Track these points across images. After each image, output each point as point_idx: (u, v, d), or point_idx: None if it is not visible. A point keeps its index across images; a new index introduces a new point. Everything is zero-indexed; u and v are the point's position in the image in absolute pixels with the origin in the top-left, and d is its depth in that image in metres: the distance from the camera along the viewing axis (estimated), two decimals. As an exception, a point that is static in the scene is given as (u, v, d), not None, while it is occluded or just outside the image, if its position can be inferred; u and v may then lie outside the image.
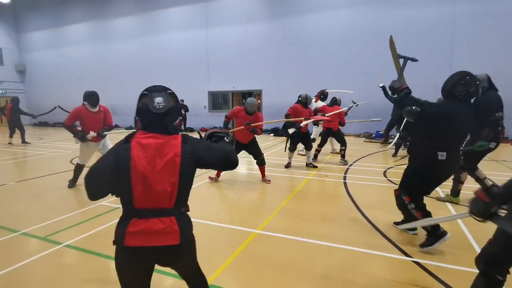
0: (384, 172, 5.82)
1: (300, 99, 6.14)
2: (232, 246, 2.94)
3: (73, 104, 5.34)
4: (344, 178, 5.50)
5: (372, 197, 4.50)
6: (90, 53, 18.10)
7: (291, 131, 5.93)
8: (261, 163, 5.26)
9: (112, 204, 4.07)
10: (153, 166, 1.33)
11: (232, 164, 1.51)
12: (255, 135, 5.10)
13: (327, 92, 8.28)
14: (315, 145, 7.04)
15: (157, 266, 1.48)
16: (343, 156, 6.75)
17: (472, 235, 3.11)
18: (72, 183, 4.99)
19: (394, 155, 7.55)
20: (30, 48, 20.15)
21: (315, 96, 8.26)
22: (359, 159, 7.22)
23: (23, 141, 10.24)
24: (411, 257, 2.67)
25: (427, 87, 10.72)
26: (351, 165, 6.61)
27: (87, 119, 4.64)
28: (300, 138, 6.14)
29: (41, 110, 14.58)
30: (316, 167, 6.32)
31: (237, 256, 2.75)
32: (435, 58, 10.93)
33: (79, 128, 4.70)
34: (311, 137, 7.74)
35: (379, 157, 7.61)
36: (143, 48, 16.46)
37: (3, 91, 19.24)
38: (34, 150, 9.22)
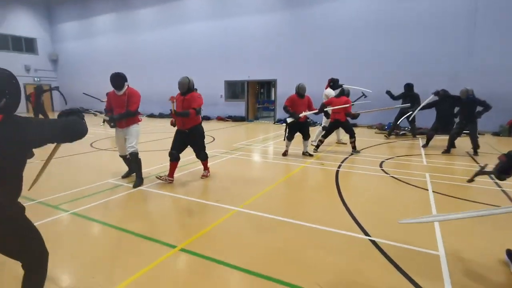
0: (381, 163, 5.91)
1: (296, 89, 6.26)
2: (209, 220, 3.30)
3: (101, 91, 5.75)
4: (339, 167, 5.68)
5: (357, 185, 4.68)
6: (116, 43, 18.98)
7: (289, 120, 6.14)
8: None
9: (116, 182, 4.59)
10: None
11: (70, 134, 1.55)
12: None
13: (337, 80, 8.25)
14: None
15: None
16: (354, 147, 6.83)
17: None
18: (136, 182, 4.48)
19: (425, 146, 7.49)
20: (62, 39, 21.43)
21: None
22: (362, 149, 7.30)
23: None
24: (370, 237, 2.89)
25: (443, 77, 10.48)
26: (350, 155, 6.73)
27: (114, 103, 4.39)
28: (298, 128, 6.32)
29: (72, 97, 15.70)
30: (312, 155, 6.50)
31: (212, 228, 3.10)
32: (453, 47, 10.54)
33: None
34: (322, 125, 7.88)
35: (382, 148, 7.64)
36: (165, 38, 17.03)
37: (38, 79, 20.71)
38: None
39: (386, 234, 2.93)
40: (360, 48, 12.07)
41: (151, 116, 17.07)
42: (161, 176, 4.55)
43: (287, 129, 6.40)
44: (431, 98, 7.47)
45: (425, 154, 6.81)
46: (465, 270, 2.37)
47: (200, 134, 4.69)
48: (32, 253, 1.63)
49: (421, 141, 8.45)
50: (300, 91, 6.21)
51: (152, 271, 2.34)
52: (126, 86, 4.33)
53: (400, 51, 11.36)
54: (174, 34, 16.68)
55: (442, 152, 6.81)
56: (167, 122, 14.48)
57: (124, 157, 4.71)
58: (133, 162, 4.49)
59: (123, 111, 4.27)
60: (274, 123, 14.07)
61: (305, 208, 3.77)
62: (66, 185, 4.47)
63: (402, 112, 8.73)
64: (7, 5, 19.29)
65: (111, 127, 4.41)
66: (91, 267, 2.42)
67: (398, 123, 9.10)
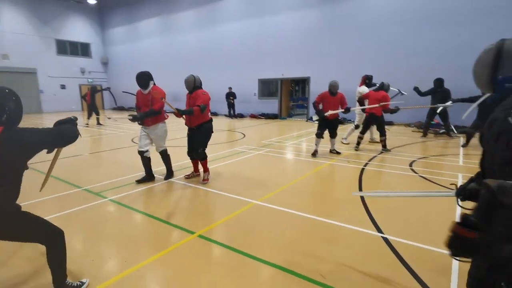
0: (412, 163, 5.70)
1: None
2: (228, 211, 3.52)
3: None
4: (366, 165, 5.58)
5: (380, 184, 4.60)
6: (158, 45, 20.17)
7: (314, 118, 6.16)
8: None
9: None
10: None
11: (62, 139, 1.85)
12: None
13: (371, 77, 8.01)
14: (357, 132, 7.10)
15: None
16: (384, 146, 6.68)
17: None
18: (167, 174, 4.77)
19: (465, 145, 7.12)
20: (112, 43, 23.26)
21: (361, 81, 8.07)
22: (394, 148, 7.06)
23: (98, 123, 12.29)
24: (383, 234, 2.90)
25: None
26: (380, 153, 6.55)
27: (140, 101, 4.45)
28: (326, 125, 6.30)
29: (120, 97, 17.07)
30: (339, 153, 6.44)
31: (230, 218, 3.32)
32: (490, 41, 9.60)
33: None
34: (355, 123, 7.76)
35: (416, 147, 7.30)
36: (202, 38, 17.73)
37: (91, 80, 22.75)
38: (106, 130, 11.09)
39: (401, 232, 2.91)
40: (396, 44, 11.52)
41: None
42: (188, 175, 4.87)
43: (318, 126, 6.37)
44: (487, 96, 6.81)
45: (463, 154, 6.40)
46: (478, 272, 2.30)
47: (206, 132, 4.57)
48: (38, 237, 1.93)
49: (462, 140, 7.91)
50: (332, 89, 6.13)
51: (171, 252, 2.62)
52: (151, 85, 4.35)
53: (442, 44, 10.65)
54: (211, 34, 17.28)
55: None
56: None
57: (142, 154, 4.50)
58: (163, 159, 4.70)
59: (147, 109, 4.28)
60: (306, 121, 14.00)
61: (323, 204, 3.83)
62: (108, 175, 4.99)
63: (434, 110, 8.25)
64: (66, 14, 21.43)
65: (139, 124, 4.44)
66: (119, 245, 2.76)
67: (431, 121, 8.62)
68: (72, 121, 2.00)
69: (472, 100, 7.07)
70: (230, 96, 15.66)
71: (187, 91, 4.57)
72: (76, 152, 6.99)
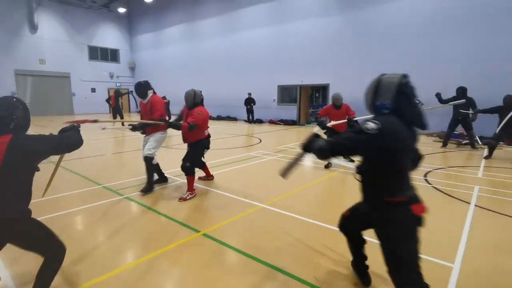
0: (427, 173, 5.57)
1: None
2: (234, 213, 3.65)
3: (170, 94, 6.19)
4: (378, 173, 5.52)
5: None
6: (183, 51, 20.90)
7: (315, 129, 6.11)
8: None
9: (166, 174, 5.26)
10: None
11: (65, 146, 1.97)
12: None
13: None
14: None
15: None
16: None
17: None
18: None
19: (487, 157, 6.82)
20: (139, 48, 24.36)
21: None
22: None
23: (123, 124, 12.90)
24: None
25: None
26: (395, 162, 6.44)
27: (142, 110, 4.44)
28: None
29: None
30: (353, 161, 6.32)
31: (235, 219, 3.44)
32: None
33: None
34: None
35: (435, 157, 7.09)
36: (224, 45, 18.19)
37: (119, 84, 23.89)
38: (128, 132, 11.62)
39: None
40: (418, 51, 11.27)
41: (210, 118, 18.33)
42: (201, 176, 5.02)
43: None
44: None
45: (484, 166, 6.16)
46: (475, 286, 2.28)
47: (200, 148, 4.33)
48: (40, 247, 1.89)
49: (486, 151, 7.60)
50: (335, 102, 5.87)
51: (176, 247, 2.78)
52: (150, 94, 4.26)
53: (465, 52, 10.30)
54: (233, 40, 17.69)
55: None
56: (225, 124, 15.46)
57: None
58: (146, 166, 4.31)
59: (146, 118, 4.21)
60: (325, 128, 13.90)
61: (329, 211, 3.86)
62: (127, 174, 5.29)
63: (457, 119, 7.96)
64: (98, 22, 22.76)
65: (141, 133, 4.44)
66: (128, 239, 2.96)
67: (453, 131, 8.31)
68: (75, 128, 2.13)
69: (493, 111, 6.82)
70: (251, 102, 15.92)
71: (189, 102, 4.23)
72: (100, 152, 7.42)
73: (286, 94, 16.12)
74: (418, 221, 1.73)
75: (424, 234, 3.13)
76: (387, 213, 1.73)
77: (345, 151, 1.81)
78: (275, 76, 15.96)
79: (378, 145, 1.56)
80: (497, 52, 9.75)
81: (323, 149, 1.70)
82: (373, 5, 12.35)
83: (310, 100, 17.19)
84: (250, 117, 16.00)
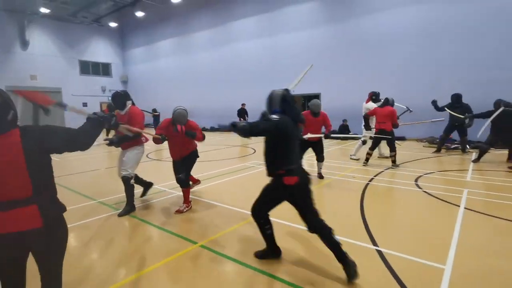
0: (417, 178, 5.70)
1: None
2: (232, 223, 3.69)
3: (163, 107, 6.03)
4: (371, 180, 5.64)
5: (382, 199, 4.66)
6: (175, 64, 21.09)
7: None
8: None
9: (160, 187, 5.27)
10: None
11: (77, 145, 1.68)
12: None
13: (378, 93, 8.07)
14: (366, 148, 7.15)
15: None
16: (394, 161, 6.68)
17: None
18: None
19: (476, 160, 7.03)
20: (131, 62, 24.48)
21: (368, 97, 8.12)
22: (403, 163, 7.06)
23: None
24: (377, 247, 2.98)
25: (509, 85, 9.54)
26: (387, 169, 6.58)
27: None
28: (308, 146, 5.72)
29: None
30: (322, 178, 5.88)
31: (231, 230, 3.48)
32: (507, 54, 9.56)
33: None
34: (362, 139, 7.79)
35: (425, 162, 7.26)
36: (216, 57, 18.43)
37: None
38: (125, 145, 11.59)
39: (396, 246, 2.98)
40: (408, 58, 11.62)
41: (203, 129, 18.42)
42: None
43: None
44: (501, 110, 6.60)
45: (473, 170, 6.33)
46: (467, 286, 2.35)
47: (193, 157, 4.33)
48: (59, 266, 1.71)
49: (474, 155, 7.81)
50: (314, 109, 5.58)
51: (175, 260, 2.81)
52: (129, 105, 4.02)
53: (454, 59, 10.66)
54: (225, 53, 17.95)
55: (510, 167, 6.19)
56: (217, 135, 15.54)
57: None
58: (125, 187, 4.12)
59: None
60: (318, 136, 14.09)
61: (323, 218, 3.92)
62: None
63: (453, 125, 8.15)
64: (90, 36, 22.86)
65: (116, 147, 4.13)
66: (125, 253, 2.97)
67: (448, 136, 8.52)
68: (93, 119, 1.83)
69: (485, 115, 7.02)
70: (244, 114, 16.05)
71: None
72: (94, 166, 7.39)
73: (279, 104, 16.28)
74: (285, 187, 2.52)
75: (416, 236, 3.24)
76: (277, 181, 2.57)
77: (260, 131, 2.40)
78: (268, 86, 16.01)
79: (278, 128, 2.42)
80: (484, 59, 10.11)
81: (245, 128, 2.32)
82: (361, 16, 12.74)
83: (302, 109, 17.42)
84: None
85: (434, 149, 8.70)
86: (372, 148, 6.89)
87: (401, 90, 11.12)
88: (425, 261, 2.70)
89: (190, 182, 4.41)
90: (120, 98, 3.97)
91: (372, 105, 7.64)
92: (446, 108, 8.19)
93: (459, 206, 4.10)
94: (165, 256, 2.87)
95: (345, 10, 13.15)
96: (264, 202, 2.73)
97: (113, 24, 22.70)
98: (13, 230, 1.46)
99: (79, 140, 1.70)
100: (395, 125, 6.61)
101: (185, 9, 19.22)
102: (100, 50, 23.61)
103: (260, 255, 2.82)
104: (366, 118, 7.35)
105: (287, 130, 2.47)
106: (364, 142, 7.72)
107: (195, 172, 5.17)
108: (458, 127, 8.11)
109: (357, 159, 7.60)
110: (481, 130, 6.69)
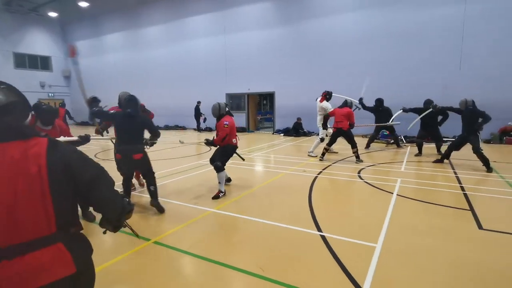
0: (360, 170, 6.25)
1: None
2: (186, 219, 3.74)
3: (111, 103, 5.61)
4: (319, 173, 6.05)
5: (328, 189, 5.06)
6: (124, 59, 20.03)
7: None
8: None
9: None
10: (10, 189, 1.05)
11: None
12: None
13: (331, 92, 8.46)
14: (323, 144, 7.61)
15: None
16: (357, 157, 7.09)
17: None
18: None
19: (419, 154, 7.78)
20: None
21: (320, 96, 8.47)
22: (347, 158, 7.64)
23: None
24: (321, 232, 3.27)
25: (436, 87, 10.82)
26: (335, 162, 7.09)
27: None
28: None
29: (83, 111, 16.55)
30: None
31: (186, 225, 3.54)
32: (444, 59, 10.88)
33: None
34: (320, 136, 8.10)
35: (367, 156, 7.95)
36: (169, 54, 17.93)
37: (52, 94, 21.89)
38: (85, 146, 10.79)
39: (337, 230, 3.30)
40: (355, 60, 12.52)
41: (158, 128, 17.84)
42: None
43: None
44: (429, 111, 7.41)
45: (407, 161, 7.11)
46: (394, 263, 2.72)
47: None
48: None
49: (409, 149, 8.75)
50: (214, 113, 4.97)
51: (128, 257, 2.79)
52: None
53: (394, 63, 11.76)
54: (178, 50, 17.55)
55: (434, 161, 6.95)
56: (173, 133, 15.16)
57: None
58: None
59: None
60: (273, 134, 14.52)
61: (273, 209, 4.15)
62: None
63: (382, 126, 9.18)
64: (25, 27, 20.68)
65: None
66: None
67: (377, 135, 9.59)
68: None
69: (417, 111, 7.84)
70: (200, 112, 15.95)
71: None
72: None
73: (235, 102, 16.45)
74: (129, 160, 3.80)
75: (354, 221, 3.60)
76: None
77: (103, 117, 3.23)
78: (223, 84, 16.20)
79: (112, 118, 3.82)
80: (414, 63, 11.32)
81: (92, 113, 3.70)
82: (312, 19, 13.38)
83: (258, 108, 17.78)
84: (200, 126, 16.03)
85: (378, 144, 9.61)
86: (330, 144, 7.41)
87: (351, 89, 11.94)
88: (360, 241, 3.04)
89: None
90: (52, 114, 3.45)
91: (327, 104, 8.02)
92: (371, 110, 9.34)
93: (392, 193, 4.62)
94: (116, 255, 2.83)
95: (297, 13, 13.71)
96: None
97: (52, 14, 20.80)
98: (44, 282, 1.09)
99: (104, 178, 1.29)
100: (352, 125, 7.06)
101: (135, 1, 18.34)
102: (38, 42, 21.49)
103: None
104: (326, 118, 7.65)
105: (114, 118, 3.92)
106: (322, 140, 8.04)
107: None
108: (386, 127, 9.22)
109: (315, 156, 7.96)
110: (410, 125, 7.68)
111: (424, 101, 7.79)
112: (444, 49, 10.88)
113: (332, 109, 7.60)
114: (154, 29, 18.38)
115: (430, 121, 7.57)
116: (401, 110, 8.34)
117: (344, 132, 7.05)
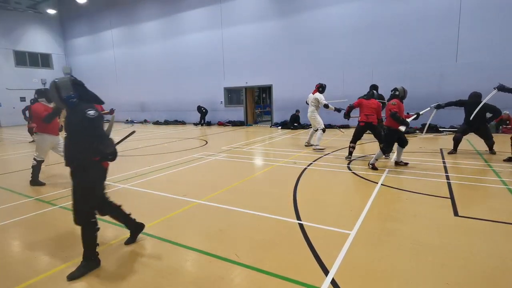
0: (350, 161, 6.34)
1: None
2: (173, 209, 3.88)
3: (109, 100, 5.81)
4: (309, 165, 6.15)
5: (315, 180, 5.17)
6: (121, 54, 20.14)
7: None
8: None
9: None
10: None
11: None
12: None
13: (325, 85, 8.45)
14: (326, 137, 7.43)
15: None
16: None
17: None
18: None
19: (453, 152, 7.00)
20: (75, 53, 22.82)
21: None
22: (340, 149, 7.72)
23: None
24: (300, 221, 3.39)
25: (432, 77, 10.80)
26: (327, 154, 7.19)
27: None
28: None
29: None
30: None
31: (172, 216, 3.68)
32: (440, 49, 10.83)
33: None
34: (321, 127, 7.82)
35: (360, 147, 8.03)
36: (166, 49, 17.99)
37: (54, 92, 22.12)
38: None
39: (316, 219, 3.43)
40: (351, 51, 12.51)
41: (157, 123, 18.03)
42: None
43: None
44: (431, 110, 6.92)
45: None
46: (364, 248, 2.84)
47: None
48: None
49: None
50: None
51: (114, 246, 2.94)
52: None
53: (390, 53, 11.73)
54: (175, 45, 17.60)
55: (449, 153, 6.84)
56: (172, 128, 15.30)
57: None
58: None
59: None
60: (271, 127, 14.61)
61: (258, 200, 4.27)
62: (60, 186, 5.17)
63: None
64: (25, 25, 20.82)
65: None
66: (56, 244, 3.03)
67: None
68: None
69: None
70: (202, 108, 16.14)
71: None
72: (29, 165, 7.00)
73: (233, 96, 16.53)
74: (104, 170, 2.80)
75: (335, 210, 3.72)
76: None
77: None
78: (220, 79, 16.26)
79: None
80: (410, 54, 11.29)
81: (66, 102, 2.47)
82: (309, 11, 13.33)
83: (257, 101, 17.83)
84: (201, 121, 16.22)
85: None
86: (354, 141, 6.62)
87: (345, 83, 12.01)
88: (336, 228, 3.16)
89: None
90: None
91: (321, 96, 8.00)
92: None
93: (377, 183, 4.72)
94: (102, 244, 2.98)
95: (292, 5, 13.65)
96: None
97: (51, 11, 20.91)
98: None
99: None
100: (380, 120, 6.65)
101: (132, -3, 18.37)
102: (38, 40, 21.66)
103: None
104: (349, 108, 6.94)
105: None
106: (324, 130, 7.95)
107: (138, 166, 5.20)
108: None
109: (323, 148, 7.72)
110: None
111: (470, 94, 7.01)
112: (440, 39, 10.82)
113: (355, 100, 6.78)
114: (151, 24, 18.41)
115: (480, 113, 6.60)
116: (432, 107, 6.90)
117: (374, 126, 6.44)
